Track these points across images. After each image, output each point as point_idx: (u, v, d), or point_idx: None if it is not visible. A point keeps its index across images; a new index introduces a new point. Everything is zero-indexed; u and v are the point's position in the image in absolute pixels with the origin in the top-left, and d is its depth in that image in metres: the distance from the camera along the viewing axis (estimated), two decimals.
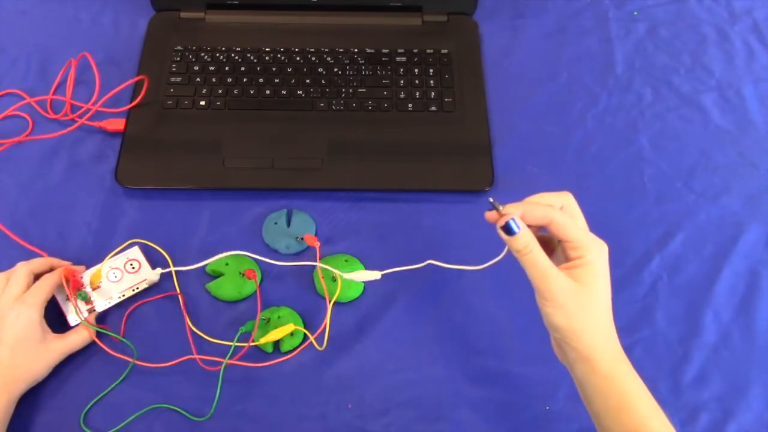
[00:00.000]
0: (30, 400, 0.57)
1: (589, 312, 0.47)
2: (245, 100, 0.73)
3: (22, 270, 0.59)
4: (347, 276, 0.57)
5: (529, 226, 0.49)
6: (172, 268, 0.63)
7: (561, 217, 0.48)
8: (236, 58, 0.75)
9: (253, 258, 0.63)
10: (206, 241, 0.65)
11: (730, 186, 0.71)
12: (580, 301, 0.47)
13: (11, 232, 0.65)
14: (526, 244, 0.48)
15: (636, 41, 0.81)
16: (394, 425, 0.58)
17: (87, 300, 0.60)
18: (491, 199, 0.49)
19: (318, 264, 0.61)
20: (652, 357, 0.61)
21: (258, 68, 0.75)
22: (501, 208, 0.49)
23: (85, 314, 0.60)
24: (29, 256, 0.64)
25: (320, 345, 0.59)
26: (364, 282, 0.58)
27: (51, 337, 0.58)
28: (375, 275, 0.55)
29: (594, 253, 0.48)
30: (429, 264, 0.55)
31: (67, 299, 0.60)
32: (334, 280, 0.61)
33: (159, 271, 0.62)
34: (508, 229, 0.48)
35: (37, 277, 0.60)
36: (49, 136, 0.71)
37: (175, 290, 0.63)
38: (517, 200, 0.68)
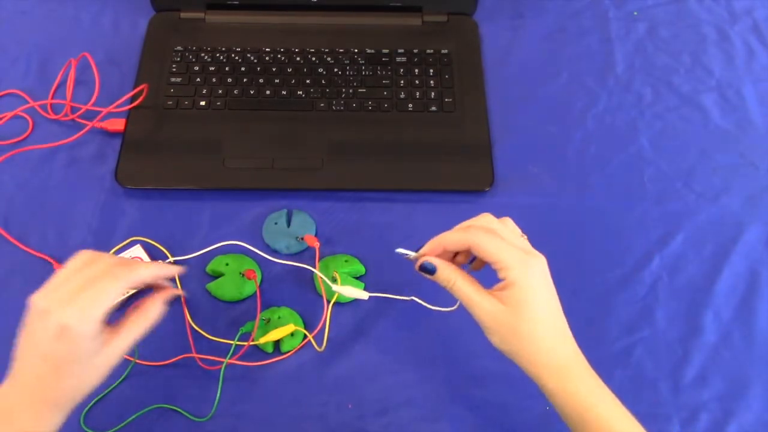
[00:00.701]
0: None
1: (522, 333, 0.47)
2: (245, 100, 0.73)
3: (106, 262, 0.47)
4: (335, 288, 0.57)
5: (458, 253, 0.51)
6: (171, 260, 0.63)
7: (479, 239, 0.47)
8: (236, 58, 0.75)
9: (252, 257, 0.63)
10: (206, 242, 0.65)
11: (730, 186, 0.71)
12: (510, 324, 0.47)
13: (8, 234, 0.65)
14: (447, 279, 0.49)
15: (636, 41, 0.81)
16: (394, 425, 0.58)
17: None
18: (399, 250, 0.51)
19: (315, 270, 0.61)
20: (652, 357, 0.61)
21: (258, 68, 0.75)
22: (412, 254, 0.51)
23: None
24: (29, 256, 0.64)
25: (320, 346, 0.59)
26: (353, 296, 0.58)
27: (109, 344, 0.47)
28: (363, 295, 0.55)
29: (516, 272, 0.46)
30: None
31: None
32: (334, 280, 0.61)
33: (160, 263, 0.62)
34: (426, 269, 0.50)
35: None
36: (49, 137, 0.71)
37: (176, 288, 0.62)
38: (517, 200, 0.69)
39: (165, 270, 0.51)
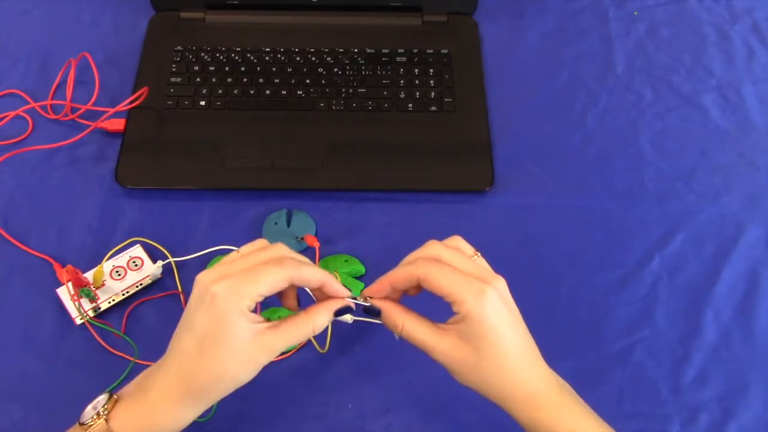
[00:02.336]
0: (29, 400, 0.57)
1: (485, 370, 0.44)
2: (245, 100, 0.73)
3: (278, 252, 0.45)
4: None
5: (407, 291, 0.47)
6: (171, 260, 0.63)
7: (428, 271, 0.44)
8: (236, 58, 0.75)
9: None
10: (206, 242, 0.65)
11: (730, 186, 0.71)
12: (470, 362, 0.44)
13: (8, 234, 0.65)
14: (394, 324, 0.46)
15: (636, 41, 0.81)
16: (394, 425, 0.58)
17: (91, 298, 0.60)
18: (350, 303, 0.47)
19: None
20: (652, 357, 0.61)
21: (258, 68, 0.75)
22: (363, 301, 0.47)
23: (90, 312, 0.60)
24: (29, 256, 0.64)
25: (321, 347, 0.59)
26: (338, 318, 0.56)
27: (262, 334, 0.44)
28: (347, 318, 0.53)
29: (470, 305, 0.43)
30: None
31: (71, 298, 0.60)
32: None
33: (160, 263, 0.62)
34: (372, 312, 0.47)
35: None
36: (49, 138, 0.71)
37: (177, 289, 0.63)
38: (517, 200, 0.69)
39: (333, 281, 0.47)
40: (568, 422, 0.45)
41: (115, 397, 0.46)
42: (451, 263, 0.45)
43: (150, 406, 0.44)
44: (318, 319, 0.46)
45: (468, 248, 0.48)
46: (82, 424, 0.44)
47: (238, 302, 0.42)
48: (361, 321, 0.61)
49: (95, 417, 0.44)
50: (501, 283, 0.45)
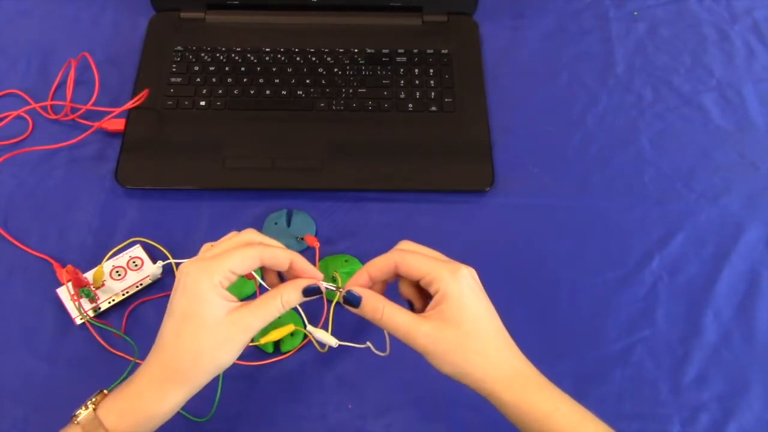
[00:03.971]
0: (29, 400, 0.57)
1: (468, 348, 0.44)
2: (245, 100, 0.73)
3: (247, 236, 0.48)
4: (309, 329, 0.54)
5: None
6: (172, 260, 0.63)
7: (404, 257, 0.46)
8: (236, 58, 0.75)
9: None
10: (206, 242, 0.65)
11: (730, 186, 0.71)
12: (453, 341, 0.44)
13: (8, 234, 0.65)
14: (374, 309, 0.46)
15: (636, 41, 0.81)
16: (394, 425, 0.58)
17: (91, 298, 0.60)
18: (320, 284, 0.48)
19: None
20: (652, 357, 0.61)
21: (258, 68, 0.75)
22: (335, 287, 0.48)
23: (90, 312, 0.60)
24: (29, 256, 0.64)
25: (322, 347, 0.59)
26: (323, 341, 0.55)
27: (236, 311, 0.45)
28: (332, 342, 0.52)
29: (446, 281, 0.44)
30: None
31: (71, 298, 0.60)
32: (334, 280, 0.61)
33: (161, 263, 0.62)
34: (350, 302, 0.47)
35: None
36: (49, 138, 0.71)
37: None
38: (517, 200, 0.69)
39: (301, 260, 0.48)
40: (551, 401, 0.46)
41: (105, 391, 0.47)
42: (423, 252, 0.48)
43: (134, 393, 0.45)
44: (286, 295, 0.46)
45: (438, 253, 0.49)
46: (72, 416, 0.46)
47: (210, 277, 0.44)
48: (362, 320, 0.61)
49: (83, 408, 0.46)
50: (473, 270, 0.47)
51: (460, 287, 0.44)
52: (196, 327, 0.44)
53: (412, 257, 0.46)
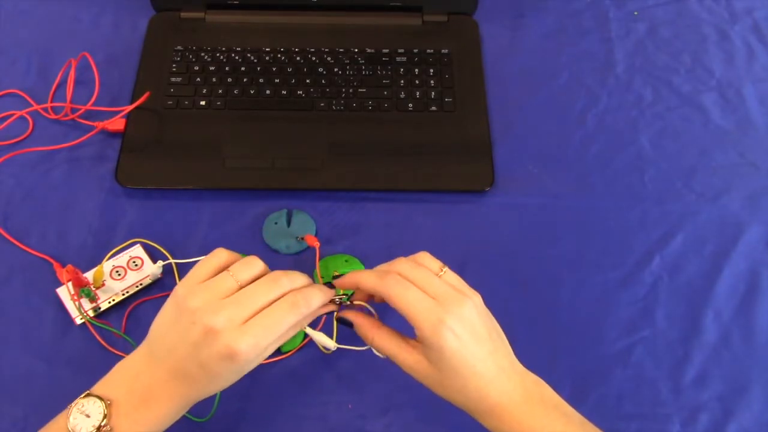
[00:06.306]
0: (28, 401, 0.57)
1: (446, 386, 0.46)
2: (245, 100, 0.73)
3: (282, 286, 0.46)
4: (308, 330, 0.54)
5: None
6: (172, 260, 0.63)
7: (394, 292, 0.45)
8: (236, 58, 0.75)
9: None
10: (206, 242, 0.65)
11: (730, 186, 0.71)
12: (433, 377, 0.46)
13: (8, 234, 0.65)
14: (364, 336, 0.49)
15: (636, 41, 0.81)
16: (394, 425, 0.58)
17: (91, 298, 0.60)
18: (336, 300, 0.50)
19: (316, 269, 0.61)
20: (652, 357, 0.61)
21: (258, 68, 0.75)
22: (339, 300, 0.50)
23: (90, 312, 0.60)
24: (29, 256, 0.64)
25: (326, 349, 0.59)
26: (320, 344, 0.55)
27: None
28: (331, 345, 0.53)
29: (426, 333, 0.44)
30: None
31: (71, 298, 0.60)
32: (334, 279, 0.61)
33: (161, 263, 0.62)
34: (343, 323, 0.49)
35: None
36: (49, 138, 0.71)
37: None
38: (517, 200, 0.69)
39: (330, 294, 0.49)
40: (545, 416, 0.46)
41: (107, 402, 0.46)
42: (416, 282, 0.46)
43: (154, 416, 0.46)
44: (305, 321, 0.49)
45: (434, 264, 0.48)
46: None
47: (259, 356, 0.45)
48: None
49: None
50: (467, 304, 0.45)
51: (440, 341, 0.44)
52: (228, 381, 0.47)
53: (401, 295, 0.45)
